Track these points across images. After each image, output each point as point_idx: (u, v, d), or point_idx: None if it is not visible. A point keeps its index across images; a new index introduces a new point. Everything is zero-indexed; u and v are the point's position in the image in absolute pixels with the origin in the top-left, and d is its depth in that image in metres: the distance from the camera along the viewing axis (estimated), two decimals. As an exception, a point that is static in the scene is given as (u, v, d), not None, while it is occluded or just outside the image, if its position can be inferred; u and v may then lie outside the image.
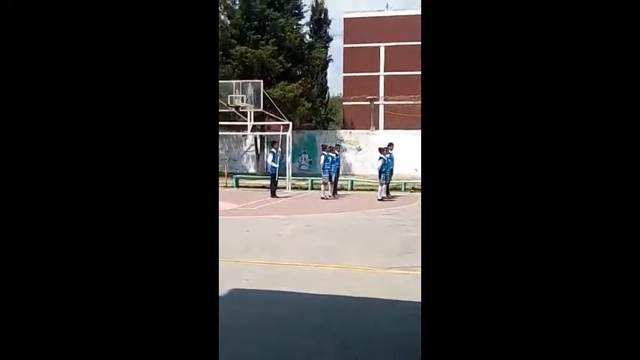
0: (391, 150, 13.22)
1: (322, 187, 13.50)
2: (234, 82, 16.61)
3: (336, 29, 59.53)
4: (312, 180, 16.77)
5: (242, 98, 15.99)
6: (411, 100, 25.99)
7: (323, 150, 13.73)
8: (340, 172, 15.71)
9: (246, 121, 16.25)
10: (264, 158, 19.62)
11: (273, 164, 13.59)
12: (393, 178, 13.91)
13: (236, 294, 4.47)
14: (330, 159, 13.41)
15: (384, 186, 12.92)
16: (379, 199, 12.57)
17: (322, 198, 13.13)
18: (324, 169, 13.33)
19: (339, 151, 14.99)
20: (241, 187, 16.33)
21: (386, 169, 12.74)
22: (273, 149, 14.03)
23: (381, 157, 12.81)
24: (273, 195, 13.34)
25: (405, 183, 16.10)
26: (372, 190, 15.59)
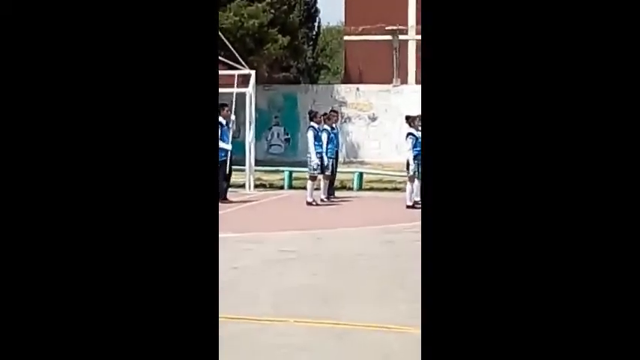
0: (429, 120, 13.23)
1: (309, 184, 13.55)
2: None
3: None
4: (290, 172, 16.81)
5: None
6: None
7: (311, 120, 13.75)
8: (340, 159, 15.74)
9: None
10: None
11: (222, 145, 13.55)
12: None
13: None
14: (324, 135, 13.44)
15: (417, 183, 12.92)
16: (409, 206, 12.67)
17: (309, 203, 13.20)
18: (312, 153, 13.38)
19: (337, 123, 15.00)
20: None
21: (420, 154, 12.74)
22: (220, 118, 13.98)
23: (410, 134, 12.86)
24: (224, 198, 13.30)
25: (452, 177, 16.15)
26: (395, 189, 15.64)
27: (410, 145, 12.81)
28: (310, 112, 14.20)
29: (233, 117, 14.24)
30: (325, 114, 14.06)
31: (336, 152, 14.32)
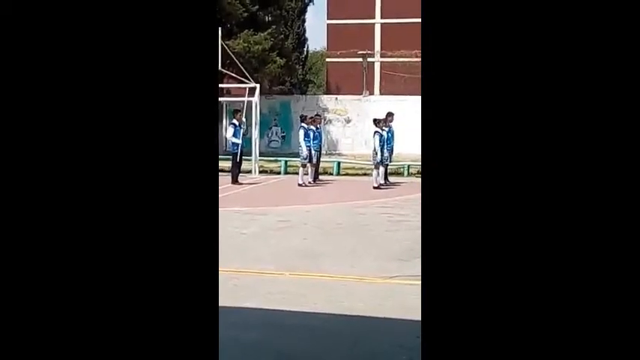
0: (390, 122, 13.24)
1: (300, 170, 13.50)
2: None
3: (317, -39, 59.19)
4: (285, 161, 16.76)
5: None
6: (416, 57, 25.96)
7: (301, 122, 13.70)
8: (323, 151, 15.72)
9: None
10: (222, 132, 19.48)
11: (235, 140, 13.51)
12: (393, 158, 13.96)
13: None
14: (311, 133, 13.40)
15: (382, 169, 12.95)
16: (375, 187, 12.62)
17: (300, 185, 13.14)
18: (302, 147, 13.29)
19: (321, 124, 14.97)
20: (192, 170, 16.23)
21: (383, 148, 12.74)
22: (234, 120, 13.93)
23: (376, 132, 12.82)
24: (235, 181, 13.28)
25: (408, 166, 16.19)
26: (365, 174, 15.64)
27: (375, 142, 12.74)
28: (301, 116, 14.19)
29: (244, 119, 14.20)
30: (312, 117, 14.04)
31: (320, 146, 14.28)
